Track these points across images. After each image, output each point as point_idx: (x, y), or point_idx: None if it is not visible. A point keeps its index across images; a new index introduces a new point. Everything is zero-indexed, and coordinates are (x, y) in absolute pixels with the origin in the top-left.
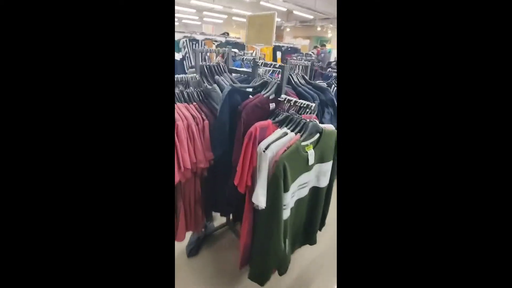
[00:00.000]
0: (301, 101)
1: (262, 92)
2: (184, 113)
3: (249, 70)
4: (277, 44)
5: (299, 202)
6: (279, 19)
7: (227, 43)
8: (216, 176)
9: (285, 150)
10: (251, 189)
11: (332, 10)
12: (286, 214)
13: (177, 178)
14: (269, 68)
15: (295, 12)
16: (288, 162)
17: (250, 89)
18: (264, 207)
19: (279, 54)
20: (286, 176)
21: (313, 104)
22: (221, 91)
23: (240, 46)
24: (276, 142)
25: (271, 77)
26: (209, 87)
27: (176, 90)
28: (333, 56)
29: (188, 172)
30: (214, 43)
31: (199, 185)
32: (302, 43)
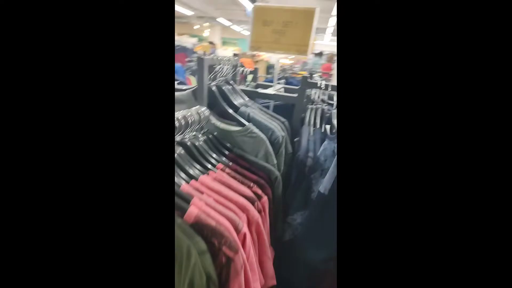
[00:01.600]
0: None
1: None
2: (236, 200)
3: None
4: None
5: None
6: None
7: None
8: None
9: None
10: None
11: (209, 10)
12: None
13: None
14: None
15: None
16: None
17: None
18: None
19: None
20: None
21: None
22: (264, 134)
23: None
24: None
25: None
26: (233, 128)
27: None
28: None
29: None
30: None
31: None
32: (190, 41)
